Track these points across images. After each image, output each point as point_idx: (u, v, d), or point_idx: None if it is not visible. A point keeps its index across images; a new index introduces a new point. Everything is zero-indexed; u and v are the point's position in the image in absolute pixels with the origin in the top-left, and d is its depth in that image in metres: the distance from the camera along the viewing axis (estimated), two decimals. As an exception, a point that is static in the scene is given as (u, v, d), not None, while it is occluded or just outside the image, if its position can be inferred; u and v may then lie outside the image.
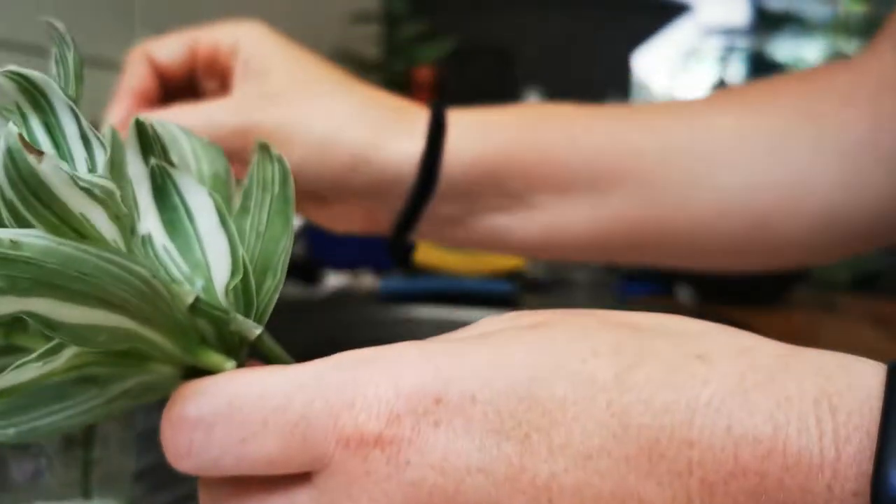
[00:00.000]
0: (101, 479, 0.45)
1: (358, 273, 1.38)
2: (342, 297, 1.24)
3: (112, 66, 0.72)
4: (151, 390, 0.28)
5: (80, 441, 0.44)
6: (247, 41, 0.48)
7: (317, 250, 1.29)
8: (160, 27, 0.79)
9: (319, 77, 0.49)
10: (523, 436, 0.24)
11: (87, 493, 0.44)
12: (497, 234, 0.53)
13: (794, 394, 0.23)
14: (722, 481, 0.23)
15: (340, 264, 1.38)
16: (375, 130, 0.48)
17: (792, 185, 0.51)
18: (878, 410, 0.22)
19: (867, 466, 0.22)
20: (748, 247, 0.53)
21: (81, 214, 0.23)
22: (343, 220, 0.52)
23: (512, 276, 1.29)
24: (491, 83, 2.24)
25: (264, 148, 0.30)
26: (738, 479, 0.23)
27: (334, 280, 1.33)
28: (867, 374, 0.23)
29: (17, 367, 0.23)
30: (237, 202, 0.30)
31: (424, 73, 1.76)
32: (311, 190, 0.49)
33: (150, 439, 0.52)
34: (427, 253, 1.54)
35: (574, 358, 0.25)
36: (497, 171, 0.50)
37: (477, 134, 0.50)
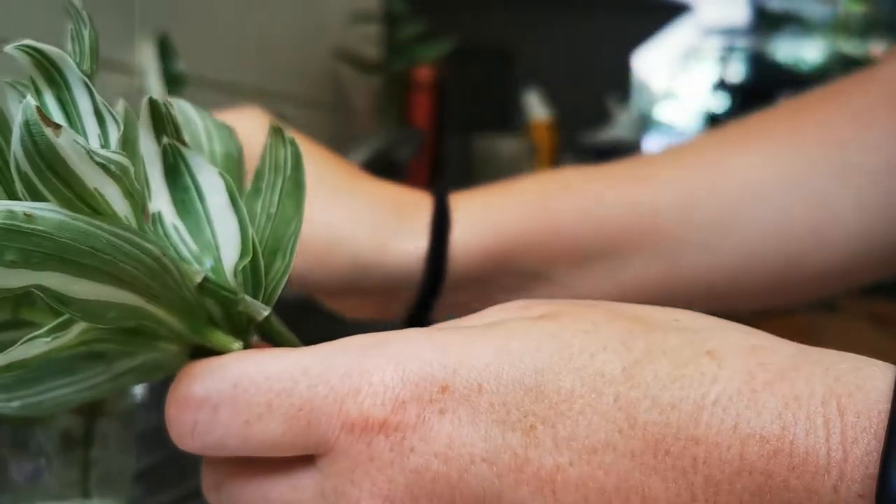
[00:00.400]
0: (101, 479, 0.45)
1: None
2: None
3: (112, 67, 0.72)
4: (158, 368, 0.28)
5: (80, 441, 0.44)
6: (244, 133, 0.46)
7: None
8: (160, 27, 0.79)
9: (319, 177, 0.46)
10: (528, 427, 0.24)
11: (86, 493, 0.44)
12: None
13: (802, 394, 0.23)
14: (727, 480, 0.23)
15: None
16: (378, 233, 0.46)
17: (820, 217, 0.49)
18: (886, 413, 0.22)
19: (874, 469, 0.22)
20: (783, 285, 0.51)
21: (96, 189, 0.23)
22: (355, 312, 0.50)
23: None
24: (491, 83, 2.24)
25: (277, 131, 0.30)
26: (744, 477, 0.23)
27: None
28: (877, 377, 0.23)
29: (26, 341, 0.23)
30: (249, 184, 0.30)
31: (424, 73, 1.76)
32: (316, 290, 0.47)
33: (150, 439, 0.52)
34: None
35: (583, 351, 0.25)
36: (509, 256, 0.48)
37: (483, 223, 0.48)
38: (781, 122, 0.52)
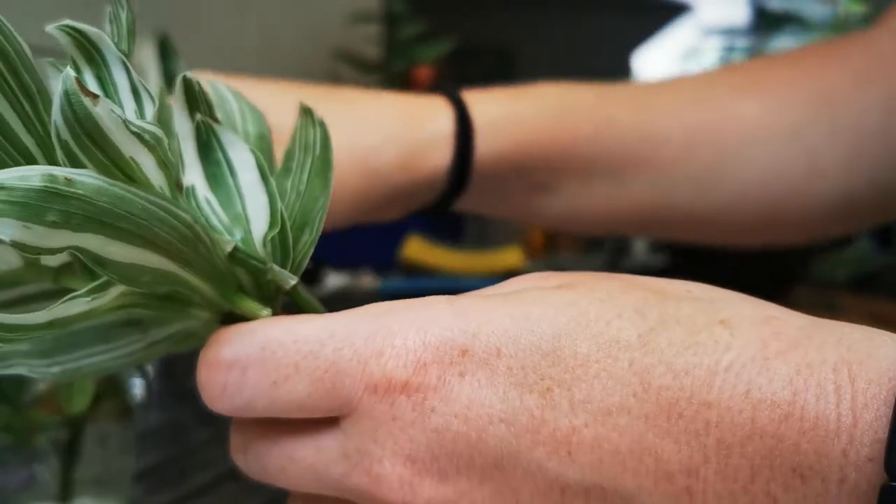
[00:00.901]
0: (100, 479, 0.45)
1: (358, 273, 1.39)
2: (342, 297, 1.24)
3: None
4: (191, 337, 0.28)
5: (73, 443, 0.44)
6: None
7: (317, 250, 1.29)
8: (160, 27, 0.79)
9: (343, 113, 0.47)
10: (545, 390, 0.25)
11: (69, 494, 0.44)
12: (514, 211, 0.54)
13: (814, 362, 0.23)
14: (738, 443, 0.23)
15: (341, 264, 1.39)
16: (409, 156, 0.47)
17: (808, 171, 0.51)
18: None
19: (883, 434, 0.22)
20: (762, 228, 0.54)
21: (131, 158, 0.24)
22: (378, 219, 0.51)
23: (512, 275, 1.29)
24: (491, 83, 2.25)
25: (307, 112, 0.31)
26: (755, 441, 0.23)
27: (335, 280, 1.33)
28: (888, 345, 0.24)
29: (67, 300, 0.24)
30: (279, 164, 0.31)
31: (424, 73, 1.76)
32: (355, 218, 0.49)
33: (150, 439, 0.52)
34: (427, 253, 1.55)
35: (599, 318, 0.25)
36: (521, 167, 0.50)
37: (503, 133, 0.50)
38: (783, 73, 0.53)
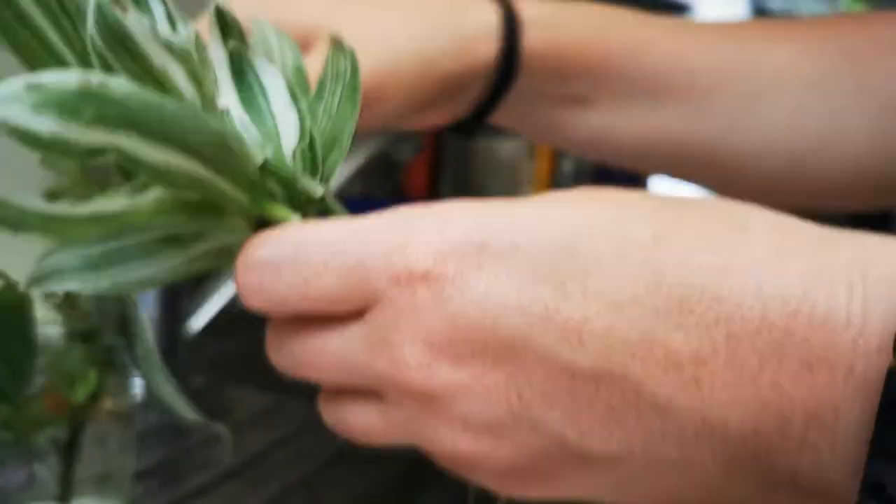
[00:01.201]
0: (100, 479, 0.46)
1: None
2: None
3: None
4: (227, 253, 0.30)
5: (72, 443, 0.45)
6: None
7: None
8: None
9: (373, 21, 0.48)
10: (560, 282, 0.25)
11: (69, 494, 0.45)
12: (553, 127, 0.55)
13: (827, 262, 0.24)
14: (748, 336, 0.24)
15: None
16: (457, 45, 0.48)
17: (830, 128, 0.51)
18: None
19: (893, 326, 0.22)
20: (782, 185, 0.54)
21: (163, 67, 0.25)
22: (429, 123, 0.52)
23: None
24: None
25: (337, 43, 0.32)
26: (764, 335, 0.23)
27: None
28: None
29: (108, 195, 0.25)
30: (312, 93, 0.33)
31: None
32: (413, 117, 0.50)
33: (150, 439, 0.53)
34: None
35: (616, 219, 0.26)
36: (563, 72, 0.51)
37: (548, 34, 0.50)
38: (813, 29, 0.54)
